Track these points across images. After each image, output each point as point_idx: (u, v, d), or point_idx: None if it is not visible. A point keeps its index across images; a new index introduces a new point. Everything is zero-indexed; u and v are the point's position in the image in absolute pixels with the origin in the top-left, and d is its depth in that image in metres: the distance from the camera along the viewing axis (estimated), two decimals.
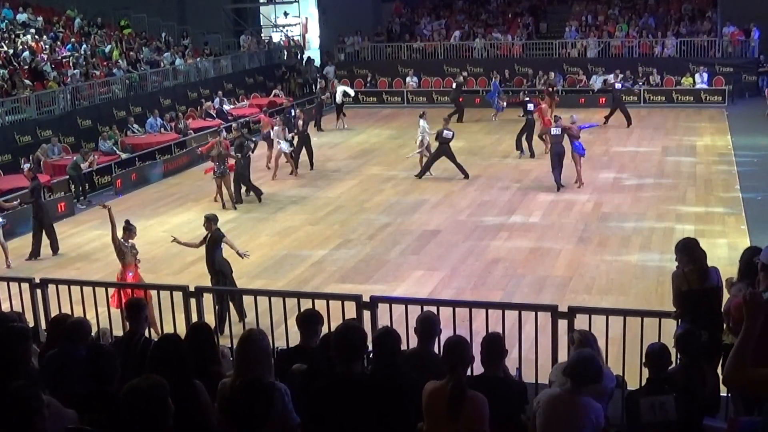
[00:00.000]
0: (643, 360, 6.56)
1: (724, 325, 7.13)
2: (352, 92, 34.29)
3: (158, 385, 4.44)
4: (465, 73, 35.97)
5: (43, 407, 4.35)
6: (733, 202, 19.66)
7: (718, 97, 34.06)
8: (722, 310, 7.12)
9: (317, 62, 42.87)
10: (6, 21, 32.39)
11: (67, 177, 22.70)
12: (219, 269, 13.42)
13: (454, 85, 34.33)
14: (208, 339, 6.57)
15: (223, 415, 5.18)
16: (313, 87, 37.55)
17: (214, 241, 13.42)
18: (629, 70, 35.54)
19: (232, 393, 4.86)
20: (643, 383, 6.56)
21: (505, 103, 31.44)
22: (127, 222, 13.58)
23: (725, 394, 6.89)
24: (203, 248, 13.63)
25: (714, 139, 27.32)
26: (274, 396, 4.90)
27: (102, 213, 21.25)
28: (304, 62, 42.72)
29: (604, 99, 34.11)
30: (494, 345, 6.08)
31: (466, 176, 23.05)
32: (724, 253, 15.22)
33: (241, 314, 12.37)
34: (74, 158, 23.01)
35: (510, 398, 6.00)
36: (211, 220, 13.62)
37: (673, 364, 6.65)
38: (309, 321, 6.92)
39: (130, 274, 13.18)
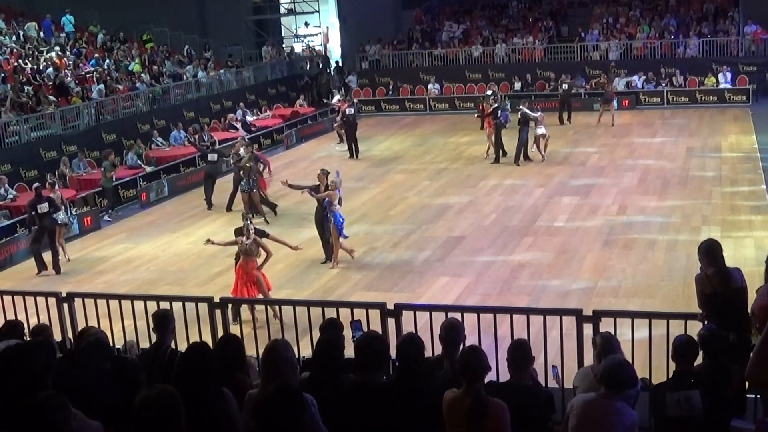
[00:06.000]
0: (670, 353, 6.49)
1: (752, 327, 7.06)
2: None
3: (169, 394, 4.44)
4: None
5: (71, 417, 4.38)
6: (759, 201, 19.50)
7: (742, 97, 33.83)
8: (749, 310, 7.05)
9: (339, 71, 42.93)
10: (31, 38, 32.75)
11: (94, 192, 22.96)
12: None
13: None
14: (237, 349, 6.55)
15: (253, 423, 5.17)
16: (332, 96, 37.20)
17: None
18: (652, 72, 35.47)
19: (264, 400, 4.84)
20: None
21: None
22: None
23: (754, 396, 6.83)
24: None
25: (739, 138, 27.12)
26: (306, 404, 4.89)
27: (127, 226, 21.64)
28: (325, 71, 42.84)
29: (627, 101, 34.06)
30: (520, 352, 6.04)
31: None
32: (750, 254, 15.05)
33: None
34: (102, 168, 23.01)
35: (537, 405, 5.95)
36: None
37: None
38: (329, 329, 6.93)
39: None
